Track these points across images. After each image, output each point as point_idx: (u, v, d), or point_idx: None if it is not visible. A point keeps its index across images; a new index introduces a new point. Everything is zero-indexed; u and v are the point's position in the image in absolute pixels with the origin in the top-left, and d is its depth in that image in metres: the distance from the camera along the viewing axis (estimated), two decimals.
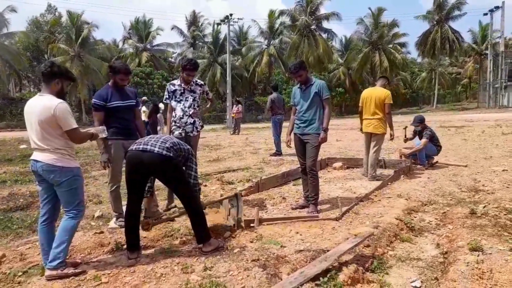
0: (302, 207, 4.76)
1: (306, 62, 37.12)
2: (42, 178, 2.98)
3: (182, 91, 4.80)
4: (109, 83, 4.18)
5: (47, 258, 2.96)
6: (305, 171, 4.75)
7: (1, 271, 3.04)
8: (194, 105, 4.82)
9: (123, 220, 3.98)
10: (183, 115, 4.75)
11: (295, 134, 4.83)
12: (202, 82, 5.05)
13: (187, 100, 4.80)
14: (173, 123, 4.79)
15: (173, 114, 4.82)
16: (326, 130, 4.61)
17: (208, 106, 5.71)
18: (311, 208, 4.58)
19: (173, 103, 4.83)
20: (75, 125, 2.94)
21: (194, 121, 4.81)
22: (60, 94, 3.02)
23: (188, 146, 3.58)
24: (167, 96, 4.88)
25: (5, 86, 36.42)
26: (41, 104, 2.89)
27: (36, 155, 2.96)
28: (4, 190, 6.03)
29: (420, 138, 7.45)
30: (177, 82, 4.87)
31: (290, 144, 4.98)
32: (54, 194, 3.03)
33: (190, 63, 4.68)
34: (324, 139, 4.61)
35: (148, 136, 3.45)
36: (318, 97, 4.60)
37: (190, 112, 4.77)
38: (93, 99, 4.09)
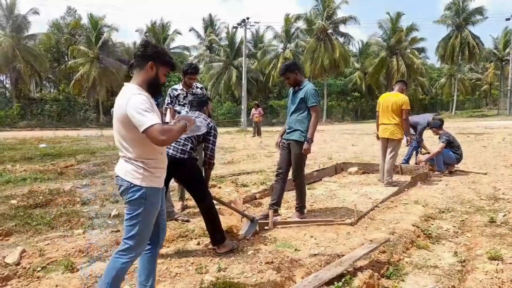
0: (265, 216, 4.27)
1: (322, 66, 37.11)
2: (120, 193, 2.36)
3: (185, 95, 4.94)
4: None
5: None
6: (278, 176, 4.54)
7: (21, 266, 3.12)
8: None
9: None
10: None
11: (283, 138, 4.60)
12: (202, 85, 5.20)
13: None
14: None
15: (178, 116, 4.92)
16: (309, 140, 4.22)
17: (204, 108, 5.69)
18: (295, 215, 4.40)
19: (177, 107, 4.95)
20: (151, 122, 2.03)
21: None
22: (153, 85, 2.28)
23: (211, 122, 3.61)
24: (169, 101, 4.98)
25: (27, 86, 37.39)
26: (118, 97, 2.25)
27: (116, 165, 2.37)
28: (24, 188, 6.17)
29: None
30: (178, 86, 5.01)
31: (278, 146, 4.67)
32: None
33: (191, 67, 4.85)
34: (306, 151, 4.24)
35: None
36: (304, 103, 4.27)
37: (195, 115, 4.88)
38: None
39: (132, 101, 2.12)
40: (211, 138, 3.56)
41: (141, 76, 2.27)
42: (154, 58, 2.25)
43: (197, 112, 3.74)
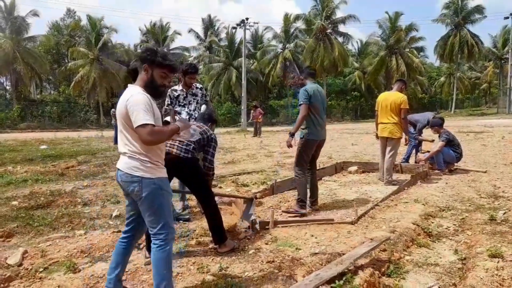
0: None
1: (321, 65, 37.09)
2: (127, 191, 2.45)
3: (185, 95, 4.95)
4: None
5: (110, 279, 2.56)
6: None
7: (23, 267, 3.14)
8: (198, 108, 4.97)
9: None
10: (189, 119, 4.88)
11: None
12: (201, 85, 5.18)
13: (191, 104, 4.98)
14: None
15: (178, 118, 4.92)
16: (291, 134, 4.70)
17: (203, 109, 5.62)
18: (292, 206, 4.73)
19: (178, 108, 4.96)
20: (143, 121, 2.19)
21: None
22: (150, 87, 2.39)
23: (209, 132, 3.61)
24: (169, 102, 4.98)
25: (27, 88, 37.42)
26: (121, 96, 2.39)
27: (118, 162, 2.47)
28: (26, 189, 6.19)
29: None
30: (178, 87, 5.01)
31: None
32: (139, 211, 2.48)
33: (191, 67, 4.87)
34: (287, 142, 4.73)
35: None
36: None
37: (196, 115, 4.90)
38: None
39: (133, 98, 2.28)
40: (211, 149, 3.57)
41: (141, 79, 2.42)
42: (148, 60, 2.38)
43: (201, 123, 3.72)
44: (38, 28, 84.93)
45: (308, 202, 4.74)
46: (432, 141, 8.10)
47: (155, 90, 2.42)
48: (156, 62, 2.38)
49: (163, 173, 2.44)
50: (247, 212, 4.06)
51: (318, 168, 7.27)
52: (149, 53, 2.41)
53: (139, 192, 2.33)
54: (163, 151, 2.51)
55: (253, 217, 3.94)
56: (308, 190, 4.79)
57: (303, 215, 4.49)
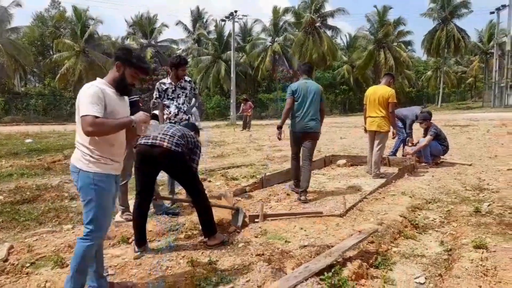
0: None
1: (310, 59, 37.14)
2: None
3: (174, 88, 4.90)
4: None
5: (91, 277, 2.54)
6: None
7: (9, 263, 3.08)
8: (186, 101, 4.92)
9: (129, 214, 4.04)
10: (178, 112, 4.85)
11: None
12: (190, 78, 5.12)
13: (180, 97, 4.92)
14: (168, 121, 4.83)
15: (167, 112, 4.88)
16: (278, 127, 5.23)
17: (193, 102, 5.55)
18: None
19: (166, 101, 4.90)
20: (85, 112, 2.21)
21: (189, 118, 4.91)
22: (119, 84, 2.44)
23: (195, 138, 3.61)
24: (158, 96, 4.92)
25: (11, 80, 36.59)
26: None
27: None
28: (11, 183, 6.08)
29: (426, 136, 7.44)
30: (167, 80, 4.96)
31: None
32: None
33: (182, 59, 4.87)
34: (276, 135, 5.38)
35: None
36: None
37: (185, 109, 4.86)
38: None
39: (84, 90, 2.32)
40: (196, 157, 3.55)
41: (111, 74, 2.48)
42: (122, 59, 2.44)
43: (185, 128, 3.64)
44: (21, 19, 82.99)
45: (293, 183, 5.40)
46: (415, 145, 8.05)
47: (123, 88, 2.46)
48: (130, 62, 2.44)
49: (104, 169, 2.36)
50: (235, 220, 3.96)
51: None
52: (124, 52, 2.48)
53: (76, 183, 2.36)
54: (115, 147, 2.42)
55: (239, 223, 3.85)
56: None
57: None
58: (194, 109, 4.94)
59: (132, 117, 2.39)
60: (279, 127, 5.19)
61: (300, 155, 5.15)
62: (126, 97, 2.59)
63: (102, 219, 2.39)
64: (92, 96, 2.25)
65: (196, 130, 3.93)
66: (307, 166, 5.03)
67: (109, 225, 2.58)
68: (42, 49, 41.85)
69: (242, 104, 20.28)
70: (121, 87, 2.45)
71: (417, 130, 8.71)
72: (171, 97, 4.88)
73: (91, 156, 2.32)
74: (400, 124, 7.92)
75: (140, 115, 2.43)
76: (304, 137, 5.04)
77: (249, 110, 19.77)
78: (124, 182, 4.21)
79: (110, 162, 2.39)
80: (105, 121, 2.25)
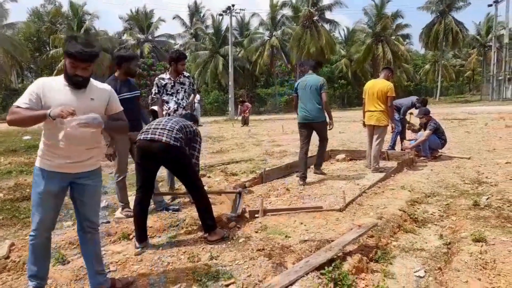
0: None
1: (308, 53, 36.96)
2: None
3: (173, 84, 4.89)
4: (115, 75, 4.18)
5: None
6: None
7: (11, 260, 3.10)
8: (185, 97, 4.94)
9: (129, 210, 4.05)
10: (177, 107, 4.85)
11: None
12: (188, 74, 5.12)
13: (179, 93, 4.92)
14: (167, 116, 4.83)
15: (166, 107, 4.88)
16: None
17: (191, 97, 5.38)
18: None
19: (165, 97, 4.90)
20: (17, 102, 2.20)
21: None
22: (66, 76, 2.30)
23: (194, 127, 3.61)
24: (157, 91, 4.91)
25: (8, 77, 36.38)
26: None
27: None
28: (10, 181, 6.08)
29: (425, 130, 7.46)
30: (165, 76, 4.95)
31: None
32: (75, 200, 2.49)
33: (181, 53, 4.89)
34: None
35: (155, 122, 3.44)
36: None
37: (184, 104, 4.85)
38: None
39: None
40: (197, 145, 3.56)
41: None
42: (64, 50, 2.28)
43: (183, 119, 3.64)
44: (17, 14, 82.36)
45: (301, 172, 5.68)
46: (415, 128, 8.27)
47: (69, 80, 2.29)
48: (65, 51, 2.24)
49: (43, 164, 2.32)
50: (235, 205, 4.06)
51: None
52: (67, 41, 2.31)
53: None
54: (66, 148, 2.30)
55: (239, 210, 3.95)
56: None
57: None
58: (197, 104, 4.96)
59: (47, 111, 2.15)
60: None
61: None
62: (87, 90, 2.35)
63: (35, 216, 2.35)
64: (30, 88, 2.26)
65: (195, 120, 3.93)
66: (320, 146, 6.02)
67: (50, 227, 2.44)
68: (39, 45, 41.55)
69: (240, 106, 20.55)
70: (67, 79, 2.29)
71: (416, 123, 8.73)
72: (170, 93, 4.88)
73: (40, 149, 2.37)
74: (396, 116, 7.94)
75: (56, 109, 2.14)
76: (305, 126, 5.77)
77: (247, 111, 19.93)
78: (121, 178, 4.21)
79: (50, 158, 2.31)
80: (18, 111, 2.17)
